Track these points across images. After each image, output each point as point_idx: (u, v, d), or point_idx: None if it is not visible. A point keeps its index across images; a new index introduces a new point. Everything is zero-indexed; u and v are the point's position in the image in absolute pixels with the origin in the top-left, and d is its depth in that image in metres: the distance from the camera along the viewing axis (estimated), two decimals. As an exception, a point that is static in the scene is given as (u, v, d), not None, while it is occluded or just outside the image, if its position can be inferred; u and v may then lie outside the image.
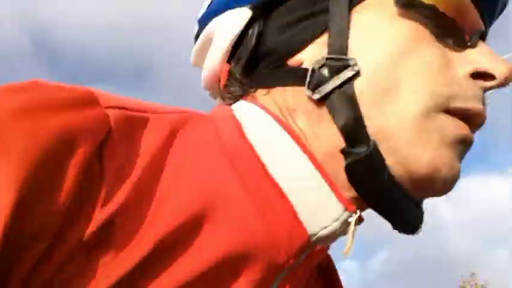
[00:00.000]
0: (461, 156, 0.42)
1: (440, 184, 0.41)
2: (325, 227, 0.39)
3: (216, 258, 0.35)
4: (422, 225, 0.43)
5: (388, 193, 0.40)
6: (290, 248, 0.39)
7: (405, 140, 0.39)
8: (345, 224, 0.40)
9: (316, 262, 0.45)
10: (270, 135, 0.41)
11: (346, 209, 0.39)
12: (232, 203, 0.38)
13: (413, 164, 0.39)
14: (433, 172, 0.40)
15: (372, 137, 0.39)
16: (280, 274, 0.39)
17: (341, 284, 0.53)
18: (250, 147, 0.40)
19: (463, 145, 0.42)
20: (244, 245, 0.37)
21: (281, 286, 0.40)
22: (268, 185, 0.39)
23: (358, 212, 0.40)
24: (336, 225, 0.39)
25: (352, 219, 0.40)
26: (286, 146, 0.40)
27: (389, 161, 0.39)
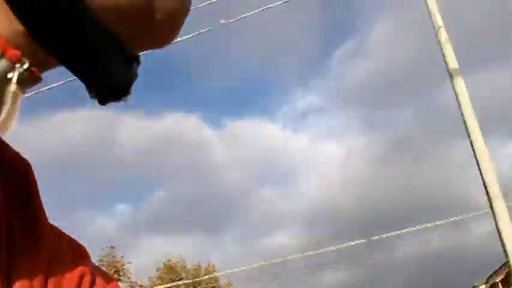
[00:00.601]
0: None
1: (164, 18, 0.30)
2: None
3: None
4: (130, 88, 0.33)
5: (77, 29, 0.28)
6: None
7: None
8: (4, 82, 0.27)
9: None
10: None
11: (1, 56, 0.27)
12: None
13: None
14: None
15: None
16: None
17: (39, 201, 0.41)
18: None
19: None
20: None
21: None
22: None
23: (26, 62, 0.27)
24: None
25: (15, 75, 0.27)
26: None
27: None
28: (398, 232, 13.79)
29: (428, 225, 14.05)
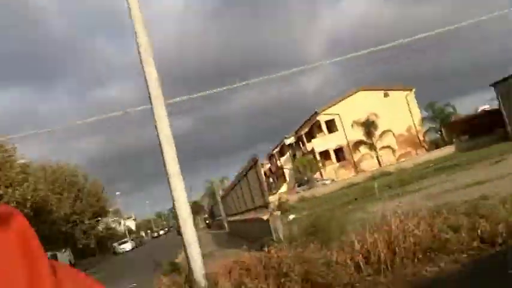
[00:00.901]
0: None
1: None
2: None
3: None
4: None
5: None
6: None
7: None
8: None
9: None
10: None
11: None
12: None
13: None
14: None
15: None
16: None
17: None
18: None
19: None
20: None
21: None
22: None
23: None
24: None
25: None
26: None
27: None
28: (231, 87, 13.34)
29: (258, 79, 13.81)
